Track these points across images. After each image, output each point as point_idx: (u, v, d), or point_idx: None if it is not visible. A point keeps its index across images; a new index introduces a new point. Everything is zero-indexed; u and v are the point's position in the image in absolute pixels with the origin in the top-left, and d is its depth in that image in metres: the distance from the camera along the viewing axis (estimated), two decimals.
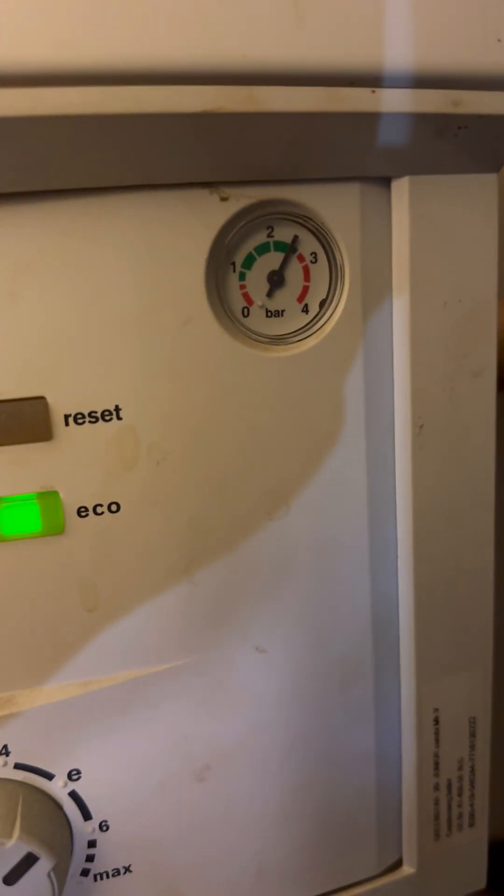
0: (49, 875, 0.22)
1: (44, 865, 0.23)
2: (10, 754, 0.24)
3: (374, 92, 0.20)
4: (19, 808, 0.23)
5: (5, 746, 0.23)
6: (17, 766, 0.24)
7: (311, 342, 0.24)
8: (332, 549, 0.25)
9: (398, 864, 0.30)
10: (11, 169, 0.19)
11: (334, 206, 0.23)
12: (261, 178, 0.22)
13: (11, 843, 0.22)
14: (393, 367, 0.25)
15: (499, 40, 0.21)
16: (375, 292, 0.24)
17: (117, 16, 0.17)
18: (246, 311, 0.23)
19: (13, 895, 0.22)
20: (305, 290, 0.24)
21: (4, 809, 0.23)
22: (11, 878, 0.22)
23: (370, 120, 0.20)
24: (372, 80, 0.20)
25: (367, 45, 0.19)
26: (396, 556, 0.26)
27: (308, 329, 0.24)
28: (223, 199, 0.22)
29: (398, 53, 0.20)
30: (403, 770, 0.28)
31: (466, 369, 0.25)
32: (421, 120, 0.21)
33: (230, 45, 0.18)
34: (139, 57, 0.18)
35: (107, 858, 0.25)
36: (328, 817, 0.28)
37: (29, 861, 0.22)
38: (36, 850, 0.22)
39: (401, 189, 0.23)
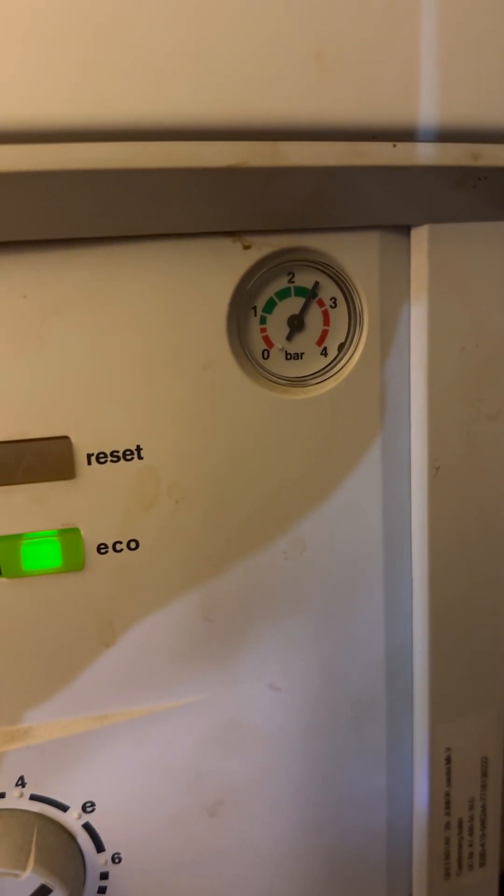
0: None
1: None
2: (27, 785, 0.24)
3: (395, 146, 0.20)
4: (34, 840, 0.23)
5: (21, 778, 0.24)
6: (33, 798, 0.24)
7: (329, 384, 0.24)
8: (347, 589, 0.25)
9: None
10: (42, 218, 0.20)
11: (354, 253, 0.23)
12: (283, 227, 0.22)
13: (26, 875, 0.22)
14: (410, 410, 0.25)
15: None
16: (394, 336, 0.24)
17: (145, 74, 0.18)
18: (266, 353, 0.24)
19: None
20: (325, 333, 0.24)
21: (20, 841, 0.23)
22: None
23: (391, 173, 0.21)
24: (394, 134, 0.20)
25: (390, 100, 0.20)
26: (411, 597, 0.26)
27: (327, 372, 0.24)
28: (246, 248, 0.22)
29: (420, 108, 0.20)
30: (414, 809, 0.28)
31: (483, 413, 0.25)
32: (441, 172, 0.21)
33: (255, 101, 0.19)
34: (166, 114, 0.18)
35: (119, 890, 0.26)
36: (339, 854, 0.28)
37: (42, 893, 0.23)
38: (49, 882, 0.23)
39: (420, 237, 0.23)
